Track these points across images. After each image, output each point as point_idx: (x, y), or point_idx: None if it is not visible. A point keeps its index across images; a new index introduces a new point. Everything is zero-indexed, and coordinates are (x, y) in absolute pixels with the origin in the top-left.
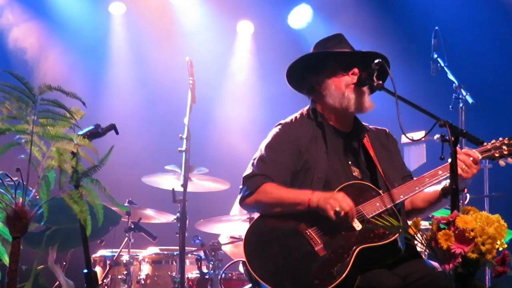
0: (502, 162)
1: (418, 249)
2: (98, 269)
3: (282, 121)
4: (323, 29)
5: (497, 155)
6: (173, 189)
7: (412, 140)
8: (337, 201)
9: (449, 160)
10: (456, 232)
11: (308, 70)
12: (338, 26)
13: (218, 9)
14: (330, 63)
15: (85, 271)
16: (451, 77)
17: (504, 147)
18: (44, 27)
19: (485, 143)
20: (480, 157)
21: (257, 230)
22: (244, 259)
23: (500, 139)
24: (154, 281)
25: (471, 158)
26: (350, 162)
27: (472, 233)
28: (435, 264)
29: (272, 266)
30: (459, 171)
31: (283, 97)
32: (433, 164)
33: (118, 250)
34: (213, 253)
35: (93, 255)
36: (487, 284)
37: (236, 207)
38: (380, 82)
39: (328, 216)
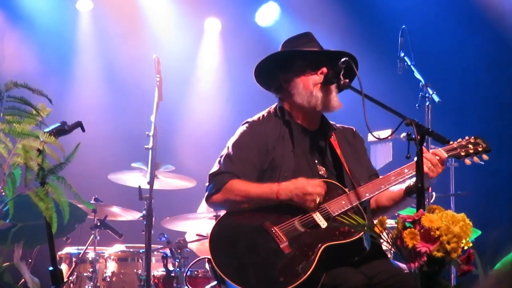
0: (468, 161)
1: (384, 248)
2: (63, 267)
3: (250, 119)
4: (291, 27)
5: (463, 154)
6: (139, 186)
7: (379, 138)
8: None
9: (415, 158)
10: (422, 230)
11: (277, 69)
12: (305, 24)
13: (185, 6)
14: (298, 62)
15: (51, 268)
16: (417, 75)
17: (470, 146)
18: (9, 22)
19: (451, 142)
20: (446, 155)
21: (222, 227)
22: (209, 257)
23: (466, 138)
24: (120, 278)
25: (437, 157)
26: (316, 161)
27: (437, 232)
28: (402, 265)
29: (237, 264)
30: (425, 169)
31: (250, 95)
32: (399, 163)
33: (84, 247)
34: (179, 251)
35: (59, 253)
36: (453, 282)
37: (203, 205)
38: (347, 80)
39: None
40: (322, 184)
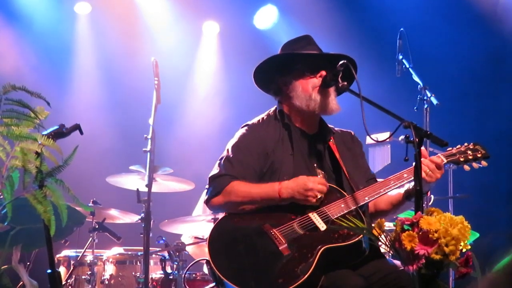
0: (466, 167)
1: (382, 250)
2: (62, 269)
3: (249, 122)
4: (289, 30)
5: (462, 159)
6: (137, 189)
7: (377, 141)
8: (314, 184)
9: (414, 163)
10: (420, 233)
11: (276, 71)
12: (304, 27)
13: (183, 9)
14: (298, 64)
15: (49, 271)
16: (416, 78)
17: (469, 152)
18: (7, 25)
19: (450, 148)
20: (445, 161)
21: (222, 229)
22: (207, 258)
23: (466, 144)
24: (118, 281)
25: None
26: (315, 165)
27: (436, 235)
28: (397, 262)
29: (236, 265)
30: (423, 175)
31: (249, 97)
32: (397, 165)
33: (82, 250)
34: (177, 254)
35: (57, 255)
36: (451, 285)
37: (199, 208)
38: (345, 83)
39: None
40: (322, 181)
